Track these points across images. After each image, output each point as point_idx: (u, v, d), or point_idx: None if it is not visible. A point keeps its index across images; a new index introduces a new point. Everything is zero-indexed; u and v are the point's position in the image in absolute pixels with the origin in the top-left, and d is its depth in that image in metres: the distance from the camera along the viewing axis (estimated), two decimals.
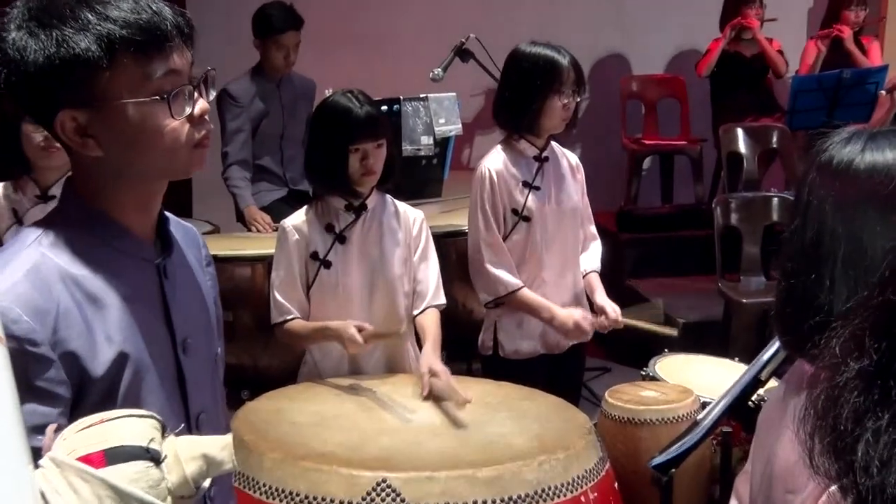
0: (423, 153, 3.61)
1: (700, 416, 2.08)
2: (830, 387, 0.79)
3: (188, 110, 1.28)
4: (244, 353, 3.35)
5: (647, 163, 6.22)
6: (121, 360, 1.26)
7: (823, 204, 1.19)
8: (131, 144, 1.27)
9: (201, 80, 1.31)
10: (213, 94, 1.33)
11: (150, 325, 1.31)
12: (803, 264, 1.19)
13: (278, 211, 4.12)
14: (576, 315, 2.85)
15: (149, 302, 1.33)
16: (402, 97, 3.55)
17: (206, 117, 1.32)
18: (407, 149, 3.54)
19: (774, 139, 5.45)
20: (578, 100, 2.84)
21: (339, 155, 2.56)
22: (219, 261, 3.27)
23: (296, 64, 4.45)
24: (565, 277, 2.98)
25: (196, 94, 1.30)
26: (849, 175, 1.18)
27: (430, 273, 2.74)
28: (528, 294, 2.89)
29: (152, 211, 1.36)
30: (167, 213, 1.41)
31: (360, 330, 2.47)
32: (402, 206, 2.76)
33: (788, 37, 6.10)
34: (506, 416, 2.31)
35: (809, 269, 1.19)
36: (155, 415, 1.07)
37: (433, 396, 2.38)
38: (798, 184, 1.25)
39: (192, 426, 1.38)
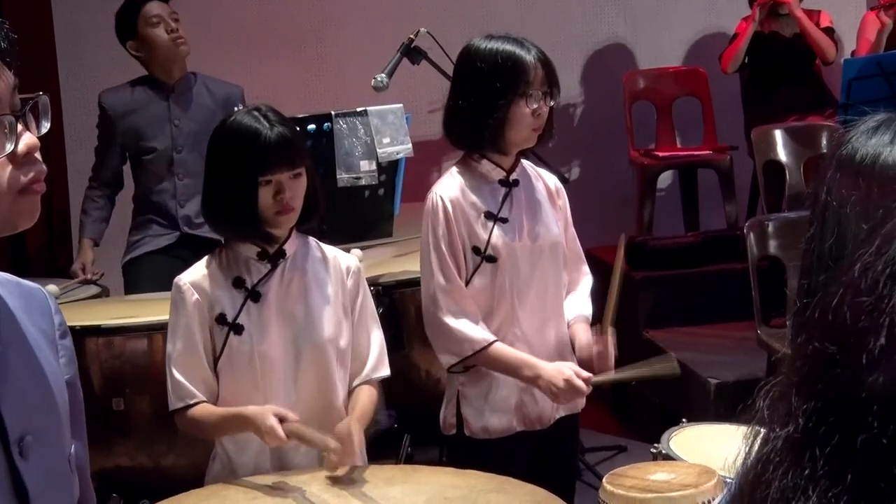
0: (364, 182, 3.60)
1: (716, 501, 2.08)
2: (756, 460, 0.78)
3: (9, 147, 1.28)
4: (141, 452, 3.35)
5: (663, 180, 6.27)
6: None
7: (844, 207, 1.21)
8: None
9: (28, 108, 1.31)
10: (45, 126, 1.33)
11: None
12: (822, 277, 1.21)
13: (157, 264, 4.18)
14: (566, 371, 2.80)
15: None
16: (333, 113, 3.57)
17: (37, 155, 1.31)
18: (343, 177, 3.53)
19: (824, 142, 5.48)
20: (552, 103, 2.87)
21: (245, 189, 2.58)
22: (105, 332, 3.39)
23: (200, 69, 4.48)
24: (545, 334, 2.97)
25: (20, 127, 1.30)
26: (874, 173, 1.21)
27: (373, 338, 2.77)
28: (502, 349, 2.87)
29: None
30: None
31: (282, 420, 2.47)
32: (331, 251, 2.79)
33: (844, 6, 6.13)
34: None
35: (829, 282, 1.20)
36: None
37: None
38: (815, 182, 1.27)
39: None
